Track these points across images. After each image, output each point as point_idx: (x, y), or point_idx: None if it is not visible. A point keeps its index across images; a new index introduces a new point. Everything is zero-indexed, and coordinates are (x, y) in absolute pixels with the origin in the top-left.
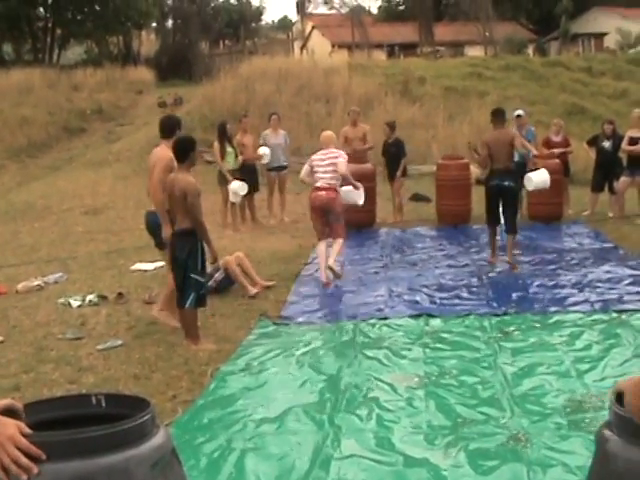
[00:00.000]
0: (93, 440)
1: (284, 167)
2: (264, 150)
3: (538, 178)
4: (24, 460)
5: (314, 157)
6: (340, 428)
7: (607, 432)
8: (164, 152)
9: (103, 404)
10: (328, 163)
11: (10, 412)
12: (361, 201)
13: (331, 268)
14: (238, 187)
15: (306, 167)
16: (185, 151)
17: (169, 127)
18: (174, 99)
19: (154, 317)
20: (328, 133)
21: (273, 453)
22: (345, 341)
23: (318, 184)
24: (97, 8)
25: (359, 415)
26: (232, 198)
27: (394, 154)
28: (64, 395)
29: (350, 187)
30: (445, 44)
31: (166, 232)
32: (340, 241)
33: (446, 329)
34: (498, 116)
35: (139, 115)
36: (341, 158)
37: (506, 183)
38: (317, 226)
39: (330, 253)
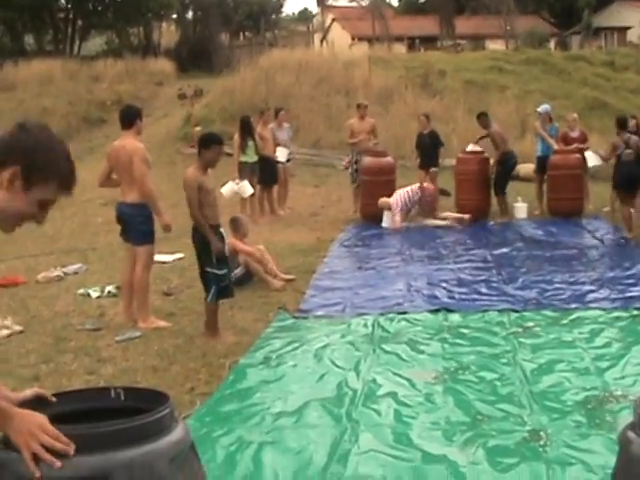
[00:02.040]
0: (113, 434)
1: (288, 160)
2: (280, 152)
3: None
4: (59, 445)
5: None
6: (358, 423)
7: (631, 434)
8: (135, 144)
9: (122, 397)
10: None
11: (39, 400)
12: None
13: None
14: (243, 188)
15: None
16: (206, 144)
17: (130, 117)
18: (194, 91)
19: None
20: None
21: (291, 447)
22: (364, 335)
23: None
24: None
25: (377, 410)
26: (224, 190)
27: (429, 145)
28: (83, 388)
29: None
30: (466, 37)
31: (162, 220)
32: None
33: (465, 324)
34: (486, 116)
35: (159, 106)
36: None
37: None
38: None
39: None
